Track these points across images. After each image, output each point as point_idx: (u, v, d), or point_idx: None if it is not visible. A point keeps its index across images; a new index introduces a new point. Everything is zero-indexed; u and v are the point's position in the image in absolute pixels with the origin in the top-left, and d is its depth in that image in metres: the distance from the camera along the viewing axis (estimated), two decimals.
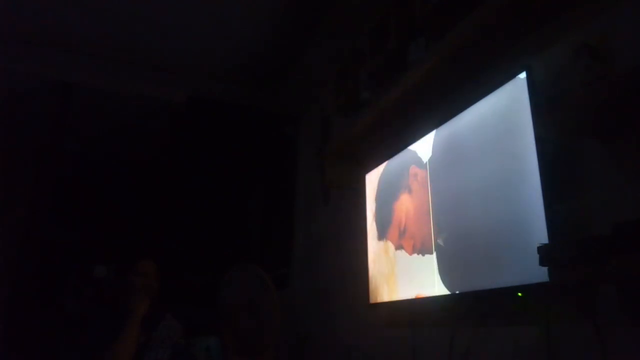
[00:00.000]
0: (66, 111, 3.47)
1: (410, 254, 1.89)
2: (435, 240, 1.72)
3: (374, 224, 2.21)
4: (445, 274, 1.67)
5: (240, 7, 2.92)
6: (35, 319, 3.35)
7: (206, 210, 3.29)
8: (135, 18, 3.07)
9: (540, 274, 1.17)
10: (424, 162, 1.85)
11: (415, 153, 1.93)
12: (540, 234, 1.24)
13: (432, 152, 1.82)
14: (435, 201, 1.76)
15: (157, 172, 4.12)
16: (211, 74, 3.71)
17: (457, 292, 1.61)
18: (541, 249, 1.14)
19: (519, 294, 1.35)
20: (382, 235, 2.12)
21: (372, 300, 2.15)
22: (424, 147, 1.88)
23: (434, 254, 1.72)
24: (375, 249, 2.18)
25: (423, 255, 1.80)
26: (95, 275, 3.67)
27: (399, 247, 1.98)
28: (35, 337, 3.23)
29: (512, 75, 1.44)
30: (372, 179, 2.29)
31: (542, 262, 1.14)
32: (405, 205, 1.93)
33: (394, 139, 2.19)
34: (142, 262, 2.06)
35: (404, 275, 1.93)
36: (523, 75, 1.39)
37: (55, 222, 3.83)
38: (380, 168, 2.22)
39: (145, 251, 2.17)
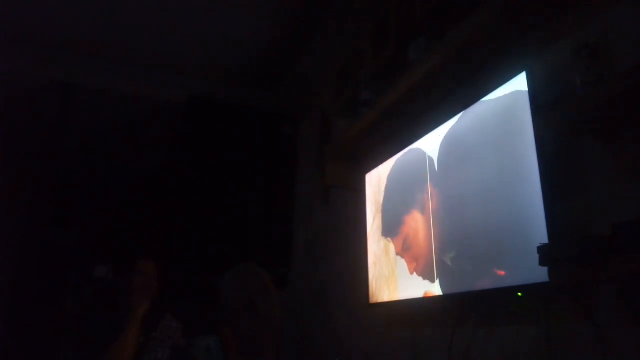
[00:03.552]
0: (66, 111, 3.47)
1: (411, 273, 1.87)
2: (440, 259, 1.70)
3: (380, 215, 2.18)
4: (446, 285, 1.67)
5: (240, 7, 2.93)
6: (35, 319, 3.35)
7: (206, 210, 3.28)
8: (135, 18, 3.08)
9: (540, 274, 1.17)
10: (437, 177, 1.81)
11: (432, 162, 1.82)
12: (540, 234, 1.24)
13: (437, 164, 1.79)
14: (440, 217, 1.75)
15: (157, 172, 4.12)
16: (211, 74, 3.71)
17: (457, 292, 1.61)
18: (541, 249, 1.14)
19: (519, 294, 1.35)
20: (386, 234, 2.11)
21: (373, 301, 2.14)
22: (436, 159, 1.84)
23: (437, 281, 1.70)
24: (376, 250, 2.18)
25: (424, 279, 1.78)
26: (95, 275, 3.67)
27: (399, 254, 1.98)
28: (35, 337, 3.23)
29: (512, 75, 1.43)
30: (372, 179, 2.29)
31: (542, 262, 1.14)
32: (415, 221, 1.89)
33: (394, 139, 2.19)
34: (142, 262, 2.06)
35: (404, 278, 1.92)
36: (523, 75, 1.39)
37: (56, 222, 3.83)
38: (395, 156, 2.12)
39: (145, 251, 2.17)
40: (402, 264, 1.94)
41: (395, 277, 1.98)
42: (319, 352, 2.79)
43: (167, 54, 3.47)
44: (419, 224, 1.86)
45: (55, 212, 3.64)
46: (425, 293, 1.76)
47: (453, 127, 1.72)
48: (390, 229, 2.09)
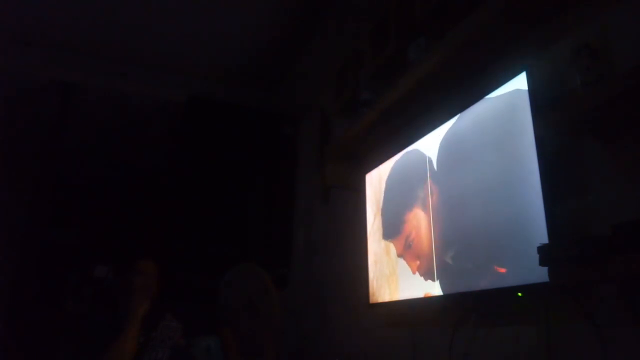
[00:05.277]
0: (66, 111, 3.47)
1: (414, 272, 1.86)
2: (440, 258, 1.70)
3: (380, 217, 2.18)
4: (446, 285, 1.66)
5: (240, 7, 2.93)
6: (35, 319, 3.35)
7: (206, 210, 3.28)
8: (135, 18, 3.07)
9: (540, 274, 1.17)
10: (436, 176, 1.81)
11: (432, 163, 1.84)
12: (540, 234, 1.24)
13: (437, 163, 1.79)
14: (440, 216, 1.75)
15: (157, 172, 4.12)
16: (211, 74, 3.71)
17: (457, 292, 1.61)
18: (541, 249, 1.14)
19: (519, 294, 1.35)
20: (387, 236, 2.10)
21: (374, 301, 2.14)
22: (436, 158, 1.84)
23: (437, 281, 1.70)
24: (377, 249, 2.17)
25: (425, 279, 1.78)
26: (95, 275, 3.67)
27: (401, 256, 1.97)
28: (35, 337, 3.24)
29: (512, 75, 1.44)
30: (372, 179, 2.29)
31: (542, 262, 1.14)
32: (417, 218, 1.89)
33: (394, 139, 2.19)
34: (142, 262, 2.06)
35: (405, 277, 1.92)
36: (523, 75, 1.39)
37: (56, 222, 3.83)
38: (394, 158, 2.11)
39: (145, 251, 2.17)
40: (403, 264, 1.94)
41: (396, 276, 1.98)
42: (319, 352, 2.78)
43: (167, 54, 3.47)
44: (421, 221, 1.86)
45: (55, 212, 3.64)
46: (426, 294, 1.76)
47: (453, 127, 1.72)
48: (391, 230, 2.08)
